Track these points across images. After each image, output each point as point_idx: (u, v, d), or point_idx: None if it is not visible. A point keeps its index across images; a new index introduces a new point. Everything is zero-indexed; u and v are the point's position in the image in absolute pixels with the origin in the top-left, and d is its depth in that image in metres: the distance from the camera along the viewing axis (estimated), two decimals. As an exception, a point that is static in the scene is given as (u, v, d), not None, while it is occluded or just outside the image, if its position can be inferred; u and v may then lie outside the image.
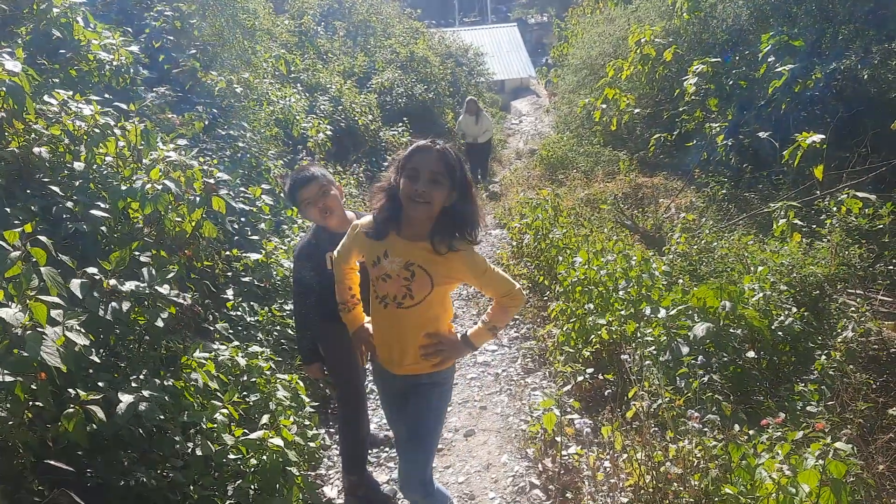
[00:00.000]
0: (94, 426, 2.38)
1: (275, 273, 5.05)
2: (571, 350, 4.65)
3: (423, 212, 2.33)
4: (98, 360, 2.59)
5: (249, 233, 5.23)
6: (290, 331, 4.67)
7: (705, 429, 3.14)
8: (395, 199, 2.37)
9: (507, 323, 2.61)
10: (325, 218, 3.23)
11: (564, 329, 4.80)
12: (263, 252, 5.02)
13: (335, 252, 2.73)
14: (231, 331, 4.20)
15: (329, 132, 8.68)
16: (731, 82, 8.91)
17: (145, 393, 2.57)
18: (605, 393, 4.08)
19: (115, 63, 4.26)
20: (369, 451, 3.99)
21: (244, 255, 4.81)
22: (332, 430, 4.35)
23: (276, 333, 4.59)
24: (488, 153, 13.38)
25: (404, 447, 2.75)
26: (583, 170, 10.99)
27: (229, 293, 4.51)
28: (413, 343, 2.55)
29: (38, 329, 2.14)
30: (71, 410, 2.28)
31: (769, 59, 7.88)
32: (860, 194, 5.64)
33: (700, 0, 10.35)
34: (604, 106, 11.07)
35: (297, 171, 3.39)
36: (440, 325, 2.60)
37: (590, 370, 4.29)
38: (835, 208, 5.71)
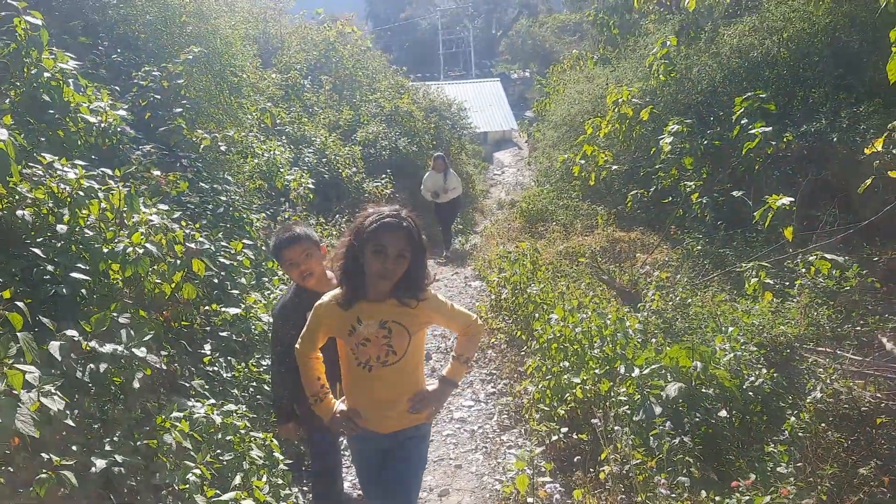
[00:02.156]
0: (66, 491, 2.39)
1: (254, 327, 5.07)
2: (546, 408, 4.70)
3: (388, 285, 2.46)
4: (72, 424, 2.61)
5: (229, 286, 5.27)
6: (266, 386, 4.68)
7: (674, 494, 3.19)
8: (359, 268, 2.46)
9: (475, 351, 2.79)
10: (305, 280, 3.30)
11: (540, 386, 4.85)
12: (243, 306, 5.05)
13: (297, 344, 2.79)
14: (207, 387, 4.20)
15: (312, 184, 8.79)
16: (705, 142, 9.17)
17: (118, 457, 2.59)
18: (576, 459, 4.11)
19: (102, 124, 4.36)
20: (343, 511, 3.97)
21: (223, 309, 4.83)
22: (305, 488, 4.33)
23: (251, 389, 4.60)
24: (457, 212, 12.42)
25: (386, 499, 2.77)
26: (562, 223, 11.17)
27: (207, 348, 4.52)
28: (401, 398, 2.66)
29: (14, 394, 2.18)
30: (43, 476, 2.29)
31: (742, 121, 8.14)
32: (829, 255, 5.80)
33: (676, 62, 10.72)
34: (582, 161, 11.31)
35: (282, 229, 3.45)
36: (419, 373, 2.74)
37: (564, 429, 4.33)
38: (804, 269, 5.86)
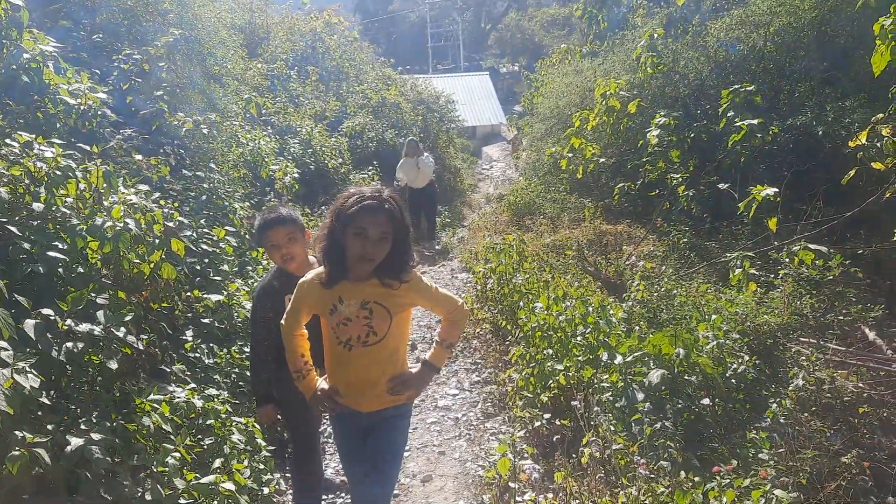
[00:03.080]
0: (40, 469, 2.35)
1: (236, 315, 5.03)
2: (530, 395, 4.69)
3: (371, 266, 2.44)
4: (48, 402, 2.57)
5: (212, 274, 5.23)
6: (248, 373, 4.65)
7: (654, 475, 3.19)
8: (340, 249, 2.44)
9: (459, 337, 2.75)
10: (286, 263, 3.27)
11: (524, 374, 4.85)
12: (225, 293, 5.01)
13: (283, 320, 2.76)
14: (188, 373, 4.17)
15: (297, 174, 8.73)
16: (692, 135, 9.19)
17: (95, 436, 2.55)
18: (555, 439, 4.11)
19: (81, 107, 4.30)
20: (324, 497, 3.96)
21: (205, 296, 4.80)
22: (287, 474, 4.31)
23: (234, 376, 4.57)
24: (435, 199, 12.03)
25: (365, 482, 2.74)
26: (549, 216, 11.16)
27: (188, 334, 4.49)
28: (381, 378, 2.63)
29: (-14, 371, 2.14)
30: (16, 453, 2.26)
31: (729, 114, 8.16)
32: (813, 246, 5.83)
33: (663, 56, 10.73)
34: (570, 154, 11.31)
35: (267, 210, 3.42)
36: (401, 355, 2.71)
37: (547, 415, 4.33)
38: (788, 259, 5.88)
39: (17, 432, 2.34)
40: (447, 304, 2.71)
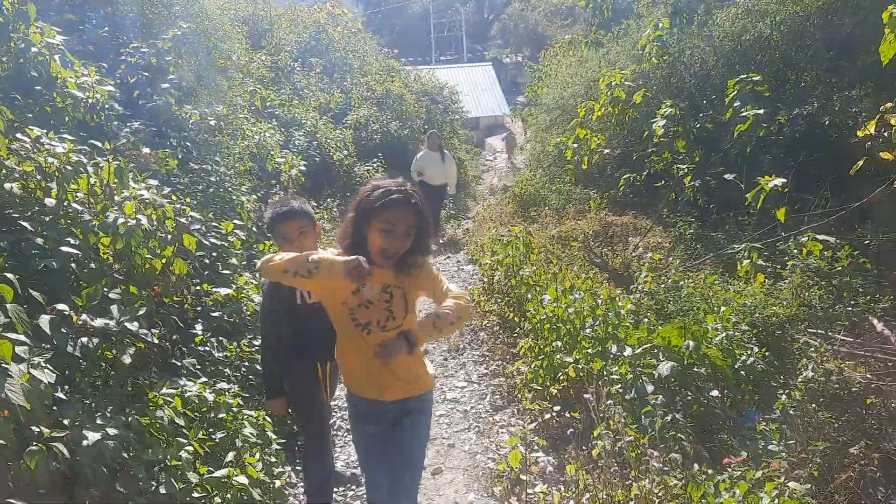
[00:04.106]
0: (57, 464, 2.37)
1: (245, 308, 5.04)
2: (539, 387, 4.70)
3: (393, 260, 2.46)
4: (64, 397, 2.58)
5: (220, 267, 5.23)
6: (258, 366, 4.66)
7: (667, 468, 3.20)
8: (362, 240, 2.44)
9: (461, 320, 2.59)
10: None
11: (533, 366, 4.86)
12: (234, 287, 5.02)
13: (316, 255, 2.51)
14: (199, 367, 4.18)
15: (303, 167, 8.73)
16: (698, 125, 9.16)
17: (110, 431, 2.56)
18: (568, 432, 4.12)
19: (89, 100, 4.30)
20: (335, 490, 3.97)
21: (214, 289, 4.80)
22: (298, 467, 4.32)
23: (244, 369, 4.58)
24: (445, 199, 11.58)
25: (396, 477, 2.71)
26: (554, 207, 11.15)
27: (198, 328, 4.50)
28: (400, 363, 2.60)
29: (3, 366, 2.15)
30: (34, 448, 2.27)
31: (735, 104, 8.13)
32: (820, 237, 5.82)
33: (669, 46, 10.68)
34: (575, 145, 11.28)
35: (279, 202, 3.39)
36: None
37: (557, 408, 4.34)
38: (796, 250, 5.87)
39: (34, 427, 2.36)
40: (455, 291, 2.70)
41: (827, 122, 8.08)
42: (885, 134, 5.39)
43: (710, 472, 3.11)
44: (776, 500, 2.53)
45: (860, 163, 5.55)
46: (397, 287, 2.55)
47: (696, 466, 3.06)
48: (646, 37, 10.84)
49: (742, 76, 8.14)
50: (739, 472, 3.07)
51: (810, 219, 6.86)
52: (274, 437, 3.90)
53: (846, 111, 8.02)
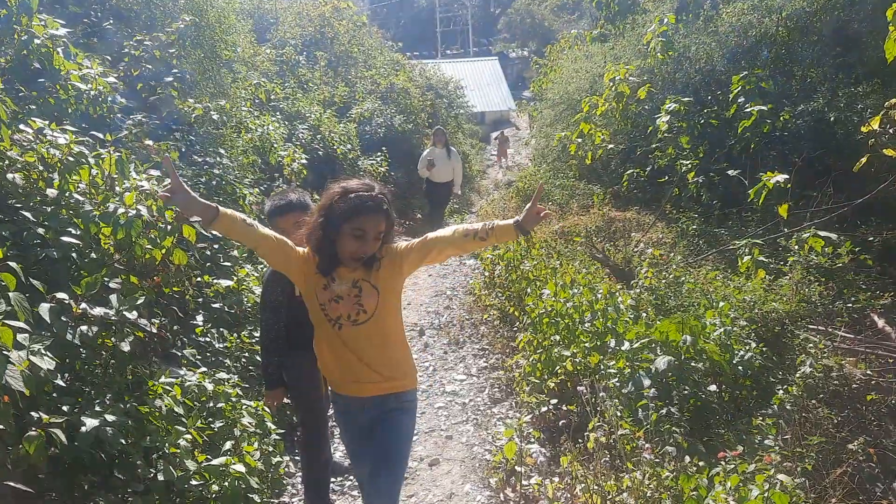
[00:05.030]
0: (56, 449, 2.41)
1: (245, 300, 5.08)
2: (537, 381, 4.72)
3: (361, 262, 2.48)
4: (63, 384, 2.62)
5: (221, 259, 5.27)
6: (258, 357, 4.70)
7: (660, 460, 3.21)
8: (332, 245, 2.46)
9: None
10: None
11: (531, 360, 4.88)
12: (235, 279, 5.06)
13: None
14: (199, 357, 4.22)
15: (305, 160, 8.75)
16: (702, 121, 9.14)
17: (109, 417, 2.60)
18: (560, 423, 4.14)
19: (92, 92, 4.33)
20: (333, 479, 4.01)
21: (215, 281, 4.84)
22: (296, 457, 4.36)
23: (244, 360, 4.62)
24: (450, 196, 11.50)
25: (374, 476, 2.68)
26: (558, 202, 11.15)
27: (199, 319, 4.54)
28: (374, 358, 2.60)
29: (4, 352, 2.18)
30: (33, 433, 2.30)
31: (739, 100, 8.11)
32: (822, 233, 5.81)
33: (673, 41, 10.65)
34: (579, 140, 11.27)
35: (277, 195, 3.45)
36: (396, 336, 2.68)
37: (554, 401, 4.36)
38: (797, 246, 5.87)
39: (33, 413, 2.39)
40: (429, 237, 2.60)
41: (832, 119, 8.03)
42: (890, 130, 5.37)
43: (703, 465, 3.13)
44: (766, 493, 2.55)
45: (864, 159, 5.54)
46: (365, 280, 2.53)
47: (687, 459, 3.07)
48: (651, 32, 10.81)
49: (746, 72, 8.12)
50: (733, 466, 3.09)
51: (813, 215, 6.84)
52: (273, 427, 3.94)
53: (852, 107, 7.98)
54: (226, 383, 3.77)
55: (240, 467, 3.10)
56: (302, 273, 2.57)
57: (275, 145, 8.41)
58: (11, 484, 2.35)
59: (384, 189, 2.51)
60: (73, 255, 3.05)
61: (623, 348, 4.34)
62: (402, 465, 2.72)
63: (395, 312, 2.66)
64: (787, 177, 6.39)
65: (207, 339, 4.47)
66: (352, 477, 4.18)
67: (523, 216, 2.54)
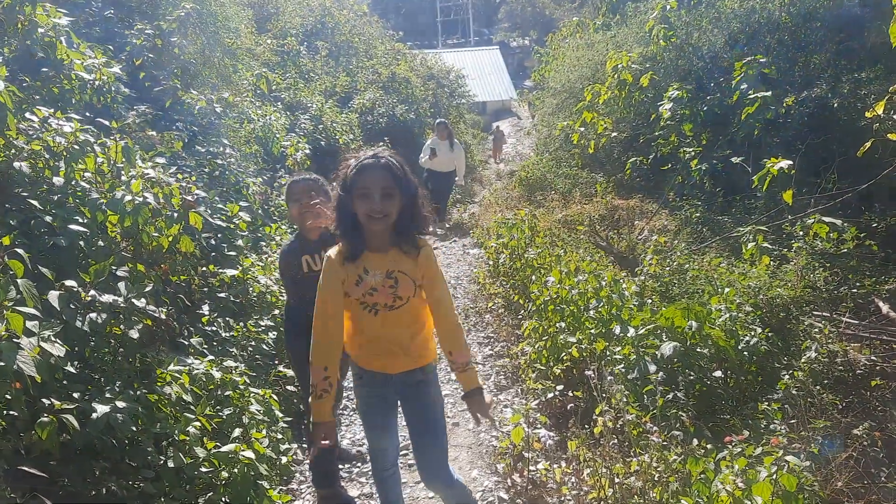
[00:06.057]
0: (68, 435, 2.42)
1: (251, 289, 5.09)
2: (543, 367, 4.73)
3: (383, 224, 2.47)
4: (73, 371, 2.63)
5: (226, 249, 5.28)
6: (264, 346, 4.73)
7: (667, 444, 3.22)
8: (353, 218, 2.47)
9: (466, 346, 2.73)
10: (303, 217, 3.34)
11: (536, 347, 4.89)
12: (240, 268, 5.07)
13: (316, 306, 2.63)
14: (206, 346, 4.24)
15: (308, 150, 8.75)
16: (705, 108, 9.11)
17: (119, 404, 2.61)
18: (568, 408, 4.15)
19: (96, 82, 4.33)
20: (341, 467, 4.03)
21: (221, 271, 4.85)
22: (305, 445, 4.38)
23: (250, 349, 4.63)
24: (451, 187, 11.60)
25: (422, 441, 2.79)
26: (561, 191, 11.13)
27: (205, 308, 4.55)
28: (407, 338, 2.68)
29: (15, 339, 2.19)
30: (45, 419, 2.32)
31: (742, 87, 8.08)
32: (827, 219, 5.80)
33: (676, 28, 10.61)
34: (582, 129, 11.24)
35: (298, 172, 3.54)
36: (425, 317, 2.74)
37: (560, 387, 4.37)
38: (801, 232, 5.86)
39: (45, 399, 2.40)
40: (445, 299, 2.69)
41: (836, 105, 8.01)
42: (894, 115, 5.36)
43: (709, 447, 3.14)
44: (774, 475, 2.56)
45: (868, 145, 5.52)
46: (402, 272, 2.56)
47: (695, 442, 3.08)
48: (653, 18, 10.77)
49: (749, 58, 8.09)
50: (739, 449, 3.10)
51: (817, 201, 6.83)
52: (280, 415, 3.96)
53: (855, 93, 7.95)
54: (233, 371, 3.79)
55: (249, 454, 3.11)
56: (339, 280, 2.59)
57: (277, 135, 8.41)
58: (25, 469, 2.37)
59: (393, 153, 2.53)
60: (81, 242, 3.05)
61: (629, 334, 4.35)
62: (444, 433, 2.83)
63: (423, 298, 2.72)
64: (790, 163, 6.38)
65: (214, 329, 4.48)
66: (360, 464, 4.20)
67: (477, 400, 2.70)
